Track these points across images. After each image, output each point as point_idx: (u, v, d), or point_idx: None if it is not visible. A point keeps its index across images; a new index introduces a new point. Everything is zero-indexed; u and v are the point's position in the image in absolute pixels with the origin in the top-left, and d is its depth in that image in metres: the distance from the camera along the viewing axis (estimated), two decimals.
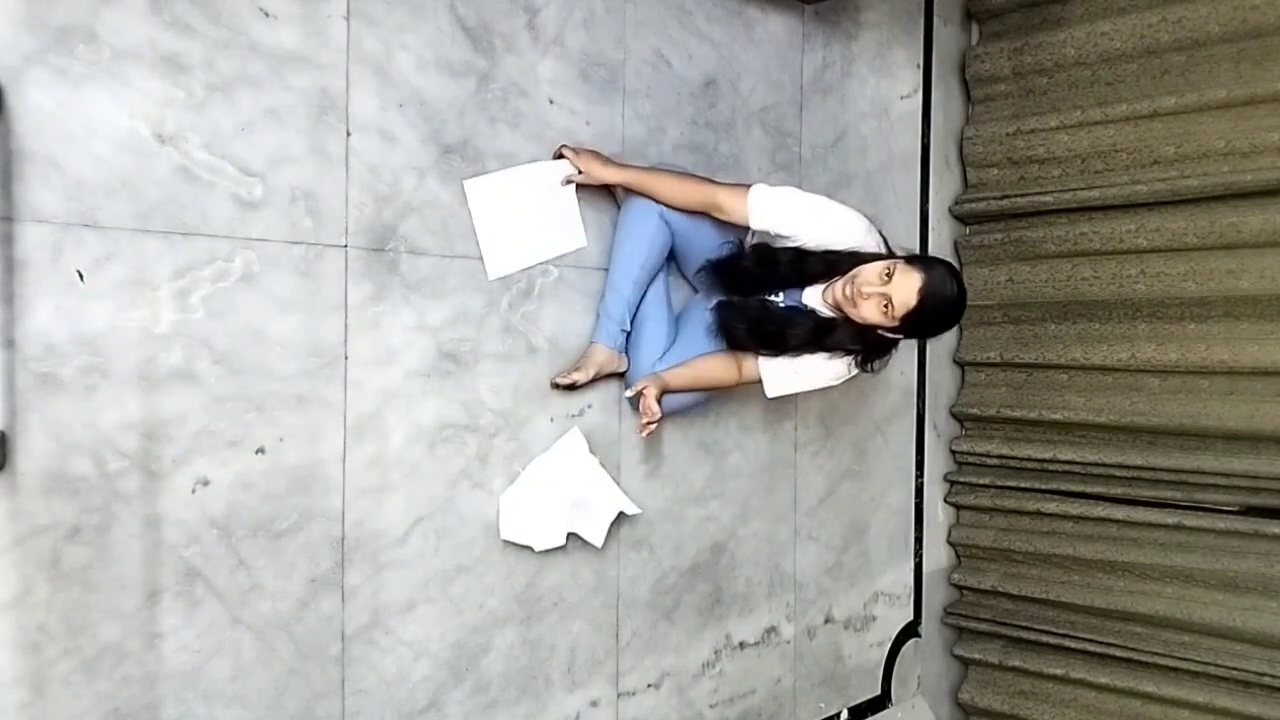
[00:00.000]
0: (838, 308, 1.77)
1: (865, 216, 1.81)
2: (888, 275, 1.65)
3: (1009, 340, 2.88)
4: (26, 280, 1.22)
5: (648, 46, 1.97)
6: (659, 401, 1.79)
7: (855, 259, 1.74)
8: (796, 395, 2.27)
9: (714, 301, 1.87)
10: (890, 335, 1.77)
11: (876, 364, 1.86)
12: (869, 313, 1.69)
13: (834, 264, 1.76)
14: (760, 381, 1.90)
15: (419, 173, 1.61)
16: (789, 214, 1.76)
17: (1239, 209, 2.44)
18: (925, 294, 1.63)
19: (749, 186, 1.77)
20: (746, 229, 1.87)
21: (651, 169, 1.82)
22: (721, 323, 1.84)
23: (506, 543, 1.75)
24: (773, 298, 1.84)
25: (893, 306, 1.65)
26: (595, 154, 1.78)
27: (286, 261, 1.46)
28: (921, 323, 1.70)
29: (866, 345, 1.80)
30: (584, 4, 1.84)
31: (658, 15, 1.98)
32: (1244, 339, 2.47)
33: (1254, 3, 2.39)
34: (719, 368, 1.88)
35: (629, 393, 1.86)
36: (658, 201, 1.78)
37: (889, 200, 2.66)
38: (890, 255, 1.76)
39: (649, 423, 1.79)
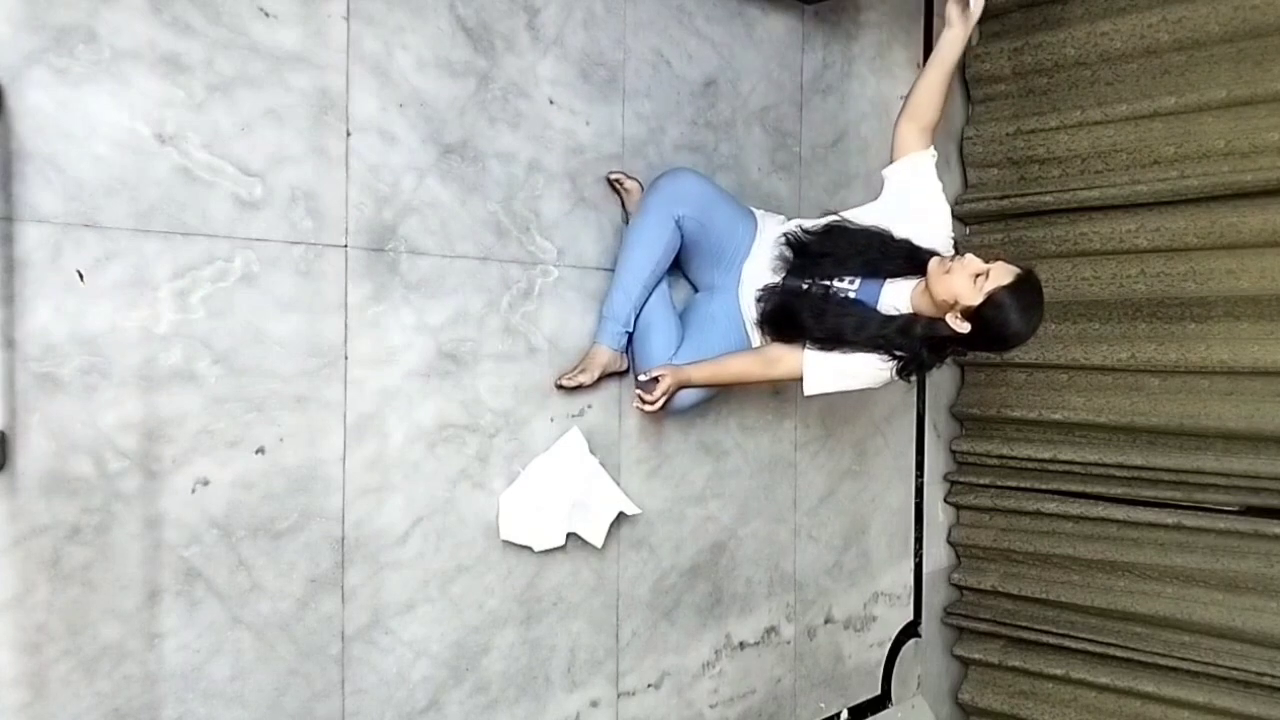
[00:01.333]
0: (925, 293, 1.72)
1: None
2: (987, 264, 1.65)
3: None
4: (26, 280, 1.22)
5: (648, 46, 1.97)
6: (671, 397, 1.81)
7: (926, 255, 1.73)
8: (796, 395, 2.27)
9: (763, 289, 1.83)
10: (958, 333, 1.70)
11: (912, 376, 1.83)
12: (958, 281, 1.65)
13: (914, 254, 1.74)
14: (796, 380, 1.84)
15: (419, 173, 1.61)
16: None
17: (1239, 209, 2.45)
18: (1020, 279, 1.63)
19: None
20: (754, 227, 1.88)
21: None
22: (781, 306, 1.81)
23: (506, 543, 1.75)
24: (849, 288, 1.80)
25: (986, 280, 1.63)
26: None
27: (286, 261, 1.46)
28: (1001, 311, 1.65)
29: (930, 344, 1.75)
30: (584, 4, 1.84)
31: (658, 15, 1.98)
32: (1244, 339, 2.47)
33: (1254, 3, 2.39)
34: (747, 364, 1.85)
35: (644, 376, 1.82)
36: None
37: None
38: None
39: (647, 404, 1.80)
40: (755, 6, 2.21)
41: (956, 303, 1.66)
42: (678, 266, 1.98)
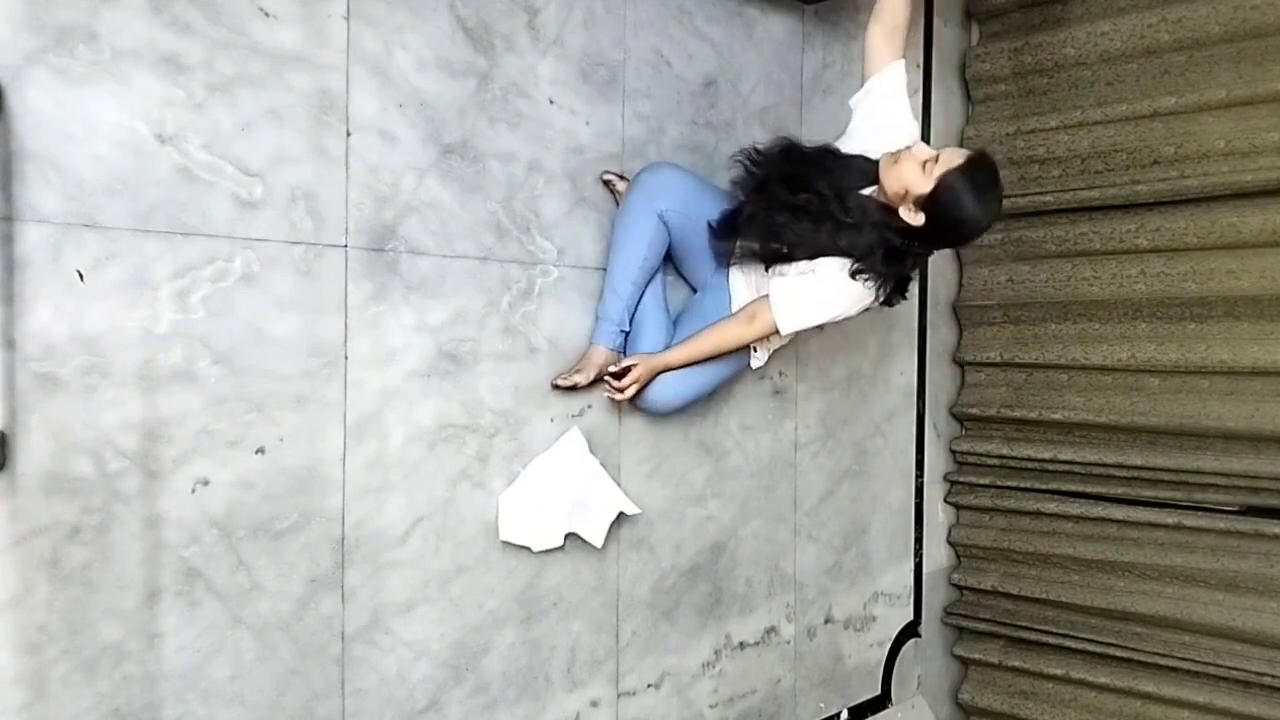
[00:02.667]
0: (879, 193, 1.69)
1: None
2: (933, 158, 1.62)
3: (1009, 340, 2.88)
4: (26, 280, 1.22)
5: (648, 46, 1.97)
6: (645, 386, 1.81)
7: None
8: (796, 395, 2.26)
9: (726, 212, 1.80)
10: (913, 225, 1.66)
11: (895, 296, 1.78)
12: (907, 170, 1.61)
13: (868, 171, 1.71)
14: (775, 330, 1.80)
15: (419, 173, 1.61)
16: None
17: (1239, 209, 2.45)
18: (972, 160, 1.60)
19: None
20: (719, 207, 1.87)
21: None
22: (731, 221, 1.78)
23: (506, 543, 1.75)
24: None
25: (935, 164, 1.60)
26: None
27: (286, 261, 1.46)
28: (954, 195, 1.60)
29: (887, 248, 1.69)
30: (584, 4, 1.84)
31: (658, 15, 1.98)
32: (1244, 339, 2.47)
33: (1254, 3, 2.39)
34: (723, 330, 1.82)
35: (614, 368, 1.80)
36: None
37: None
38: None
39: (615, 390, 1.80)
40: (755, 6, 2.21)
41: (908, 193, 1.63)
42: (673, 265, 1.98)
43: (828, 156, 1.75)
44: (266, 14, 1.42)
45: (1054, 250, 2.76)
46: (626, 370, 1.79)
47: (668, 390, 1.87)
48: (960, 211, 1.62)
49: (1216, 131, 2.47)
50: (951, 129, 2.92)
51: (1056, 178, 2.76)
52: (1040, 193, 2.75)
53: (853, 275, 1.72)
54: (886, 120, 1.79)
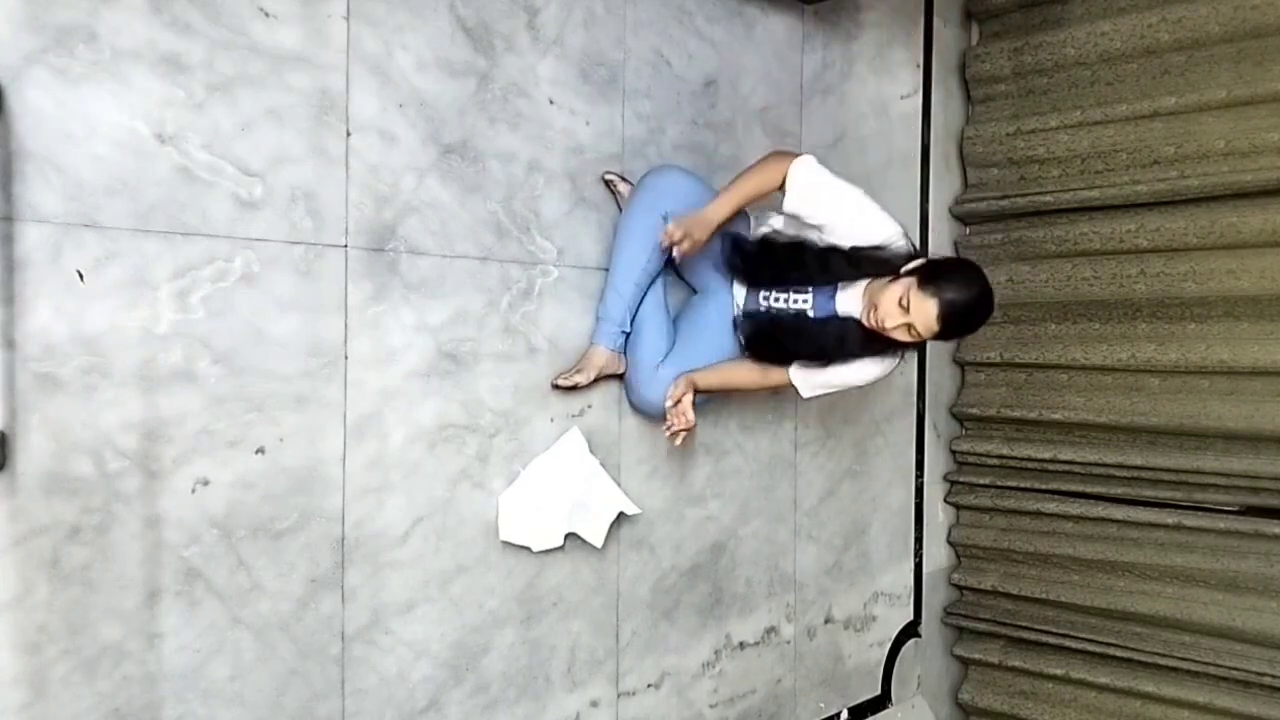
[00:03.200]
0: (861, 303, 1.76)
1: (898, 223, 1.78)
2: (904, 305, 1.65)
3: (1009, 340, 2.88)
4: (26, 280, 1.22)
5: (648, 46, 1.97)
6: (694, 405, 1.82)
7: (877, 261, 1.73)
8: (797, 394, 2.26)
9: (741, 314, 1.87)
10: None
11: (909, 351, 1.85)
12: (900, 337, 1.70)
13: (859, 264, 1.74)
14: (791, 385, 1.90)
15: (419, 173, 1.61)
16: (827, 203, 1.73)
17: (1239, 209, 2.44)
18: (946, 315, 1.64)
19: (795, 156, 1.74)
20: (746, 226, 1.87)
21: (733, 191, 1.76)
22: (752, 340, 1.85)
23: (506, 543, 1.75)
24: (803, 303, 1.81)
25: (917, 331, 1.67)
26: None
27: (286, 261, 1.46)
28: (952, 333, 1.70)
29: (910, 345, 1.78)
30: (584, 4, 1.84)
31: (658, 15, 1.98)
32: (1244, 339, 2.47)
33: (1254, 3, 2.39)
34: (747, 374, 1.89)
35: (669, 401, 1.80)
36: (746, 203, 1.78)
37: (889, 200, 2.64)
38: (910, 257, 1.73)
39: (681, 430, 1.79)
40: (755, 6, 2.21)
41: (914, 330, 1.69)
42: (675, 269, 1.98)
43: (806, 253, 1.77)
44: (266, 14, 1.42)
45: (1054, 250, 2.75)
46: (676, 404, 1.80)
47: (663, 394, 1.88)
48: (966, 333, 1.78)
49: (1216, 131, 2.47)
50: (951, 129, 2.92)
51: (1056, 178, 2.76)
52: (1040, 193, 2.74)
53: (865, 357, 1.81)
54: (840, 227, 1.76)
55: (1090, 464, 2.72)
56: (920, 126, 2.77)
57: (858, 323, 1.77)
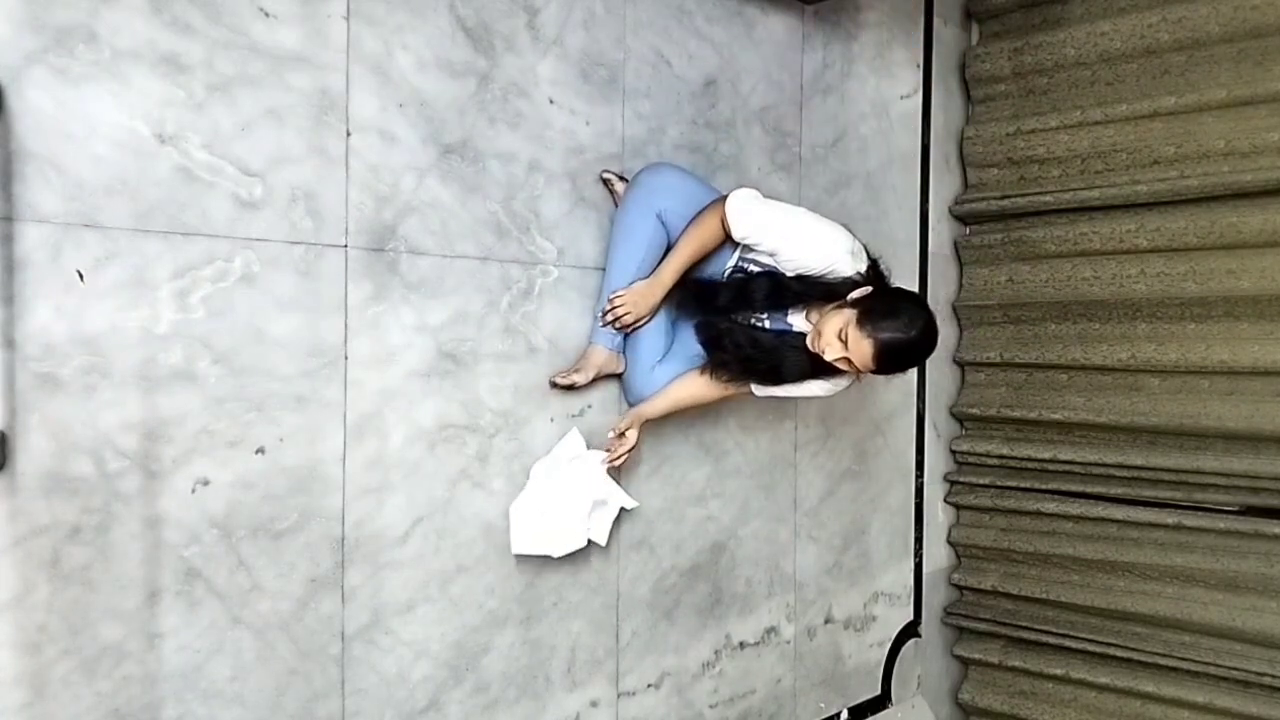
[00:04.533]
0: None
1: (852, 235, 1.76)
2: (843, 339, 1.63)
3: (1009, 340, 2.88)
4: (26, 280, 1.22)
5: (648, 46, 1.97)
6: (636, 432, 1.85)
7: (826, 289, 1.71)
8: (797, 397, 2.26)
9: (698, 324, 1.86)
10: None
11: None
12: (840, 367, 1.69)
13: (805, 294, 1.74)
14: (747, 392, 1.91)
15: (419, 173, 1.61)
16: (767, 231, 1.71)
17: (1239, 209, 2.45)
18: (880, 354, 1.62)
19: (724, 198, 1.74)
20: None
21: (671, 259, 1.78)
22: (712, 359, 1.85)
23: (506, 544, 1.75)
24: (759, 321, 1.82)
25: (854, 365, 1.66)
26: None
27: (286, 261, 1.45)
28: (890, 371, 1.68)
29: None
30: (584, 4, 1.84)
31: (658, 15, 1.98)
32: (1244, 339, 2.47)
33: (1254, 3, 2.39)
34: (698, 388, 1.87)
35: (612, 434, 1.85)
36: (692, 260, 1.78)
37: (889, 200, 2.66)
38: (858, 284, 1.70)
39: (621, 455, 1.82)
40: (755, 6, 2.21)
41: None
42: None
43: (765, 281, 1.77)
44: (266, 14, 1.42)
45: (1054, 250, 2.75)
46: (621, 435, 1.84)
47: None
48: (902, 370, 1.73)
49: (1216, 131, 2.47)
50: (951, 129, 2.92)
51: (1056, 178, 2.76)
52: (1040, 193, 2.74)
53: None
54: (788, 249, 1.74)
55: (1090, 464, 2.72)
56: (920, 126, 2.77)
57: (803, 340, 1.76)
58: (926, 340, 1.67)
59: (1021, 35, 2.81)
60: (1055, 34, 2.73)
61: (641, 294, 1.78)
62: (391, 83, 1.57)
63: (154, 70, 1.31)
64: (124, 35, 1.29)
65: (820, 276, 1.72)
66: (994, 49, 2.85)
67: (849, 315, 1.64)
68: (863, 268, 1.72)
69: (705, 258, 1.81)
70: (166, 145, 1.33)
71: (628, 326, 1.80)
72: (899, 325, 1.62)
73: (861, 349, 1.62)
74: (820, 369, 1.75)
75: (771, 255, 1.75)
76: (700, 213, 1.77)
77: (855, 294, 1.68)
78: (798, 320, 1.80)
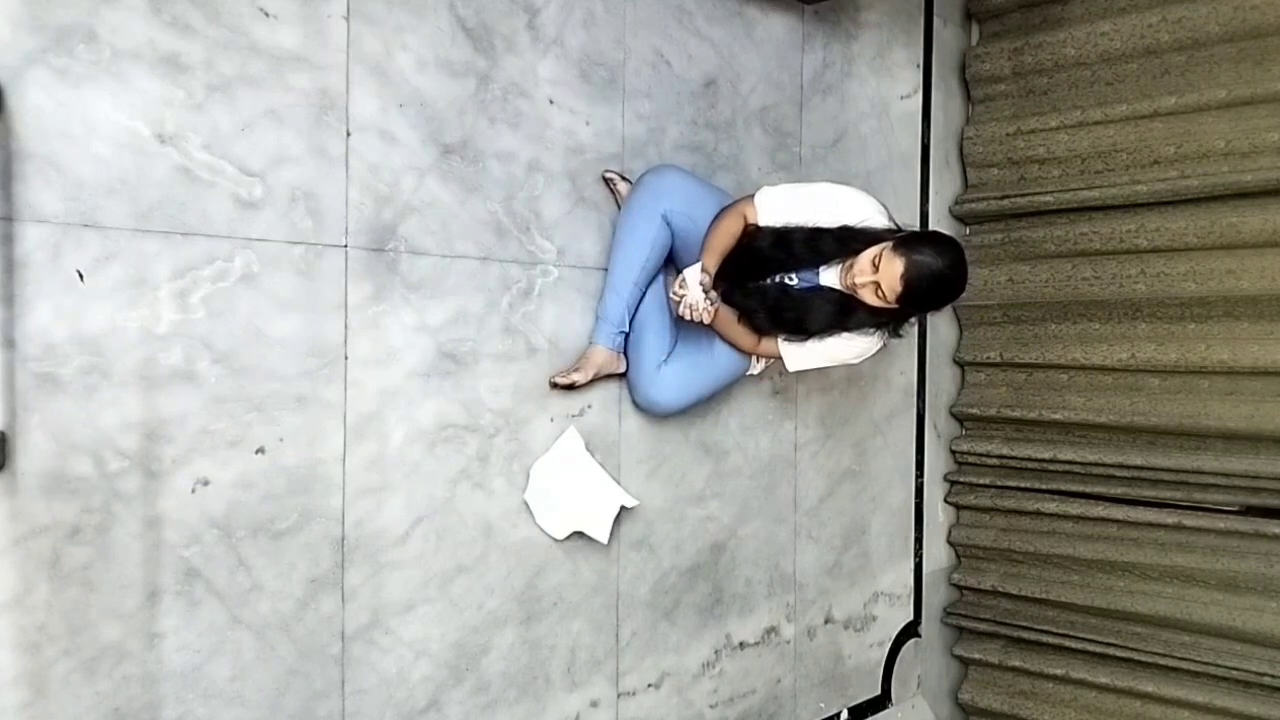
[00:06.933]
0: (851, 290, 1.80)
1: (872, 197, 1.84)
2: (876, 264, 1.69)
3: (1009, 340, 2.88)
4: (26, 280, 1.22)
5: (648, 46, 1.97)
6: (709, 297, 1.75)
7: (866, 236, 1.75)
8: (796, 395, 2.27)
9: (725, 290, 1.85)
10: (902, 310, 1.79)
11: (903, 329, 1.90)
12: (868, 297, 1.73)
13: (846, 241, 1.77)
14: (779, 358, 1.93)
15: (419, 173, 1.61)
16: (797, 205, 1.78)
17: (1239, 209, 2.44)
18: (909, 277, 1.66)
19: (747, 199, 1.82)
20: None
21: (712, 242, 1.78)
22: (742, 307, 1.86)
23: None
24: (789, 280, 1.85)
25: (883, 293, 1.70)
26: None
27: (286, 261, 1.46)
28: (916, 302, 1.73)
29: (887, 318, 1.82)
30: (584, 4, 1.84)
31: (658, 15, 1.98)
32: (1244, 339, 2.47)
33: (1254, 3, 2.39)
34: (741, 330, 1.89)
35: (677, 287, 1.76)
36: (717, 256, 1.77)
37: (889, 200, 2.65)
38: (895, 232, 1.77)
39: (695, 310, 1.73)
40: (755, 6, 2.21)
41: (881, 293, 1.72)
42: (676, 269, 1.98)
43: (796, 235, 1.79)
44: (266, 14, 1.42)
45: (1054, 250, 2.75)
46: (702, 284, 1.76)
47: (667, 393, 1.88)
48: (930, 306, 1.79)
49: (1216, 131, 2.47)
50: (951, 129, 2.92)
51: (1056, 178, 2.76)
52: (1040, 193, 2.74)
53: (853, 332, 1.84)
54: (825, 214, 1.79)
55: (1090, 464, 2.72)
56: (920, 126, 2.77)
57: (839, 293, 1.81)
58: (957, 274, 1.71)
59: (1021, 35, 2.80)
60: (1055, 34, 2.73)
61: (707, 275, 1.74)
62: (391, 83, 1.57)
63: (154, 70, 1.32)
64: (124, 35, 1.29)
65: (860, 227, 1.76)
66: (994, 49, 2.85)
67: (886, 244, 1.70)
68: (890, 224, 1.79)
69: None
70: (166, 145, 1.33)
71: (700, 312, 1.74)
72: (933, 253, 1.68)
73: (892, 269, 1.66)
74: (847, 320, 1.77)
75: (806, 224, 1.78)
76: (716, 218, 1.80)
77: (899, 234, 1.75)
78: (829, 276, 1.83)
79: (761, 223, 1.79)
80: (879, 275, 1.68)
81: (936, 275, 1.68)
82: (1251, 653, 2.47)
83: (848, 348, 1.87)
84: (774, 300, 1.83)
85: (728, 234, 1.79)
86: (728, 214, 1.81)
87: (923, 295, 1.71)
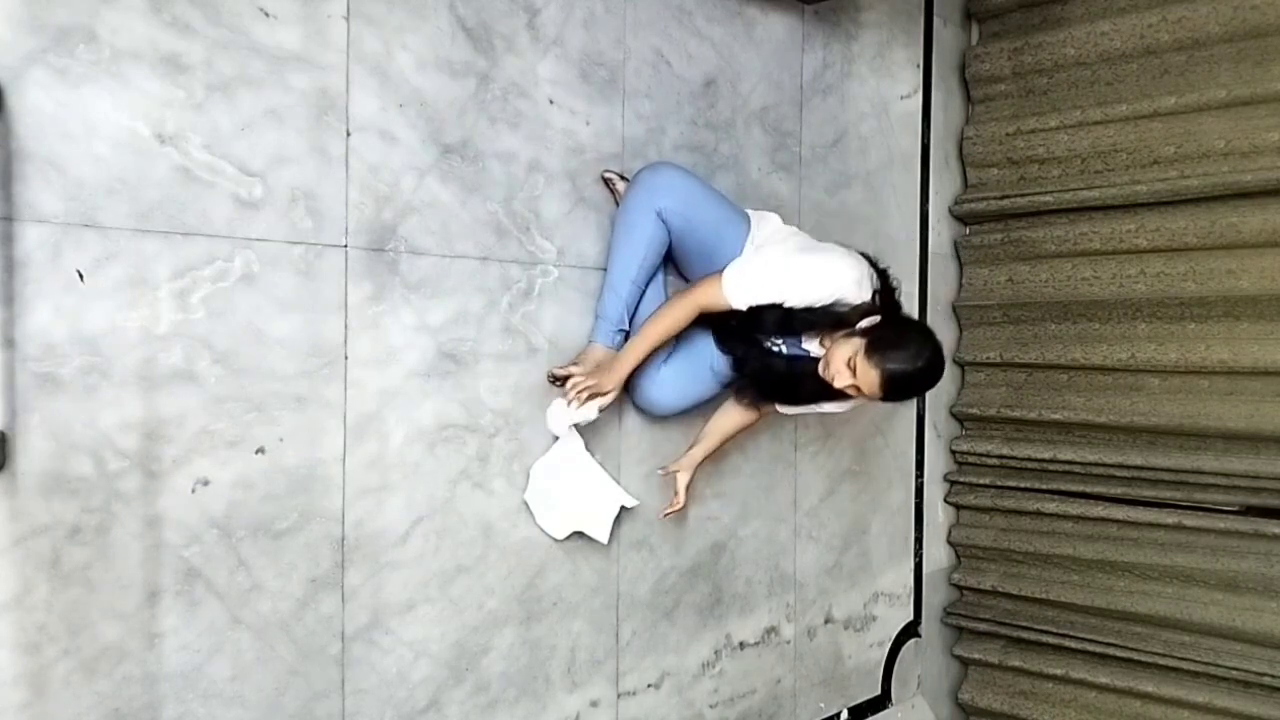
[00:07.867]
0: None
1: (863, 258, 1.77)
2: (852, 368, 1.67)
3: (1009, 340, 2.88)
4: (26, 280, 1.22)
5: (648, 46, 1.97)
6: (688, 488, 1.95)
7: (835, 317, 1.72)
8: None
9: (720, 357, 1.91)
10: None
11: None
12: (849, 393, 1.74)
13: (814, 322, 1.75)
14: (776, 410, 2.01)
15: (419, 173, 1.61)
16: (765, 286, 1.73)
17: (1239, 209, 2.45)
18: (886, 384, 1.66)
19: (720, 274, 1.75)
20: (745, 226, 1.87)
21: (643, 332, 1.77)
22: (734, 384, 1.94)
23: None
24: (775, 345, 1.85)
25: (863, 393, 1.70)
26: (599, 365, 1.77)
27: (286, 261, 1.45)
28: (896, 398, 1.75)
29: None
30: (584, 4, 1.84)
31: (658, 15, 1.98)
32: (1244, 339, 2.47)
33: (1254, 3, 2.39)
34: (736, 416, 1.99)
35: (662, 471, 1.98)
36: (666, 337, 1.80)
37: (889, 200, 2.65)
38: (867, 310, 1.72)
39: (673, 510, 1.94)
40: (755, 6, 2.21)
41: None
42: (676, 268, 1.98)
43: (777, 313, 1.77)
44: (266, 14, 1.42)
45: (1054, 250, 2.75)
46: (676, 480, 1.95)
47: (667, 393, 1.89)
48: (910, 398, 1.88)
49: (1216, 131, 2.47)
50: (951, 129, 2.92)
51: (1056, 178, 2.76)
52: (1040, 193, 2.74)
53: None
54: (795, 292, 1.75)
55: (1090, 464, 2.72)
56: (920, 126, 2.77)
57: (818, 363, 1.80)
58: (932, 371, 1.71)
59: (1021, 35, 2.81)
60: (1055, 34, 2.73)
61: (604, 369, 1.75)
62: (391, 83, 1.57)
63: (154, 70, 1.31)
64: (124, 35, 1.29)
65: (828, 306, 1.73)
66: (994, 49, 2.85)
67: (857, 344, 1.68)
68: (868, 295, 1.74)
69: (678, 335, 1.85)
70: (166, 145, 1.33)
71: (598, 400, 1.75)
72: (905, 357, 1.66)
73: (869, 379, 1.66)
74: (834, 391, 1.77)
75: (780, 303, 1.75)
76: (669, 303, 1.79)
77: (864, 323, 1.71)
78: (812, 346, 1.83)
79: (733, 305, 1.75)
80: (857, 380, 1.68)
81: (914, 378, 1.68)
82: (1251, 653, 2.47)
83: (836, 405, 1.93)
84: (759, 373, 1.87)
85: (672, 327, 1.77)
86: (680, 301, 1.77)
87: (902, 394, 1.74)
